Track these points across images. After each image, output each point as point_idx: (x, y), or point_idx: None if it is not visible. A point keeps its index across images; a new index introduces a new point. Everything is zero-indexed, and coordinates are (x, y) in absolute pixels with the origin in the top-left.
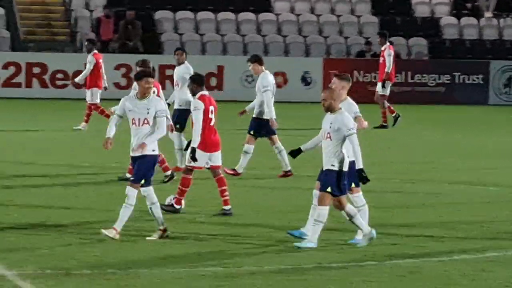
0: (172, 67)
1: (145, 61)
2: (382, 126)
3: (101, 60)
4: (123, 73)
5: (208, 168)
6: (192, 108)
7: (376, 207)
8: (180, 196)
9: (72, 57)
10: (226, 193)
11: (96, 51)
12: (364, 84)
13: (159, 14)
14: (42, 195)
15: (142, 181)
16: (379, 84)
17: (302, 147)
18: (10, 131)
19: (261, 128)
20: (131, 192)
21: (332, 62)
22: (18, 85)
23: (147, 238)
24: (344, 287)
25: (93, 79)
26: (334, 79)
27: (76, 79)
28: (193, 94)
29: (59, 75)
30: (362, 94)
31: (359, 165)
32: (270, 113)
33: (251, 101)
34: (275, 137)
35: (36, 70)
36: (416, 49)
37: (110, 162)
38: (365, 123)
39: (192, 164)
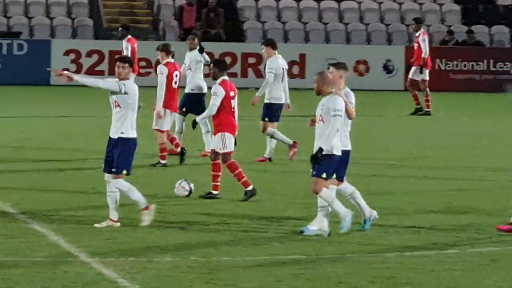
0: (255, 55)
1: (165, 45)
2: (425, 113)
3: (135, 45)
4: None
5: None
6: (212, 92)
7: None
8: (241, 179)
9: (155, 44)
10: (237, 177)
11: (130, 37)
12: (446, 72)
13: (241, 2)
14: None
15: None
16: (414, 70)
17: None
18: (91, 117)
19: (273, 112)
20: (116, 183)
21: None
22: (101, 73)
23: (95, 225)
24: (425, 275)
25: None
26: (332, 68)
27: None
28: (215, 78)
29: (142, 63)
30: (445, 83)
31: (324, 145)
32: (259, 93)
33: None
34: (268, 123)
35: None
36: (498, 37)
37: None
38: (353, 115)
39: (225, 150)
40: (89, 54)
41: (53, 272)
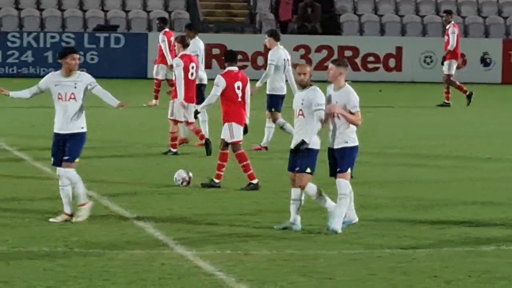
0: (352, 48)
1: (182, 37)
2: (444, 104)
3: (172, 38)
4: (301, 55)
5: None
6: (214, 83)
7: None
8: (248, 171)
9: (251, 38)
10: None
11: (167, 29)
12: None
13: None
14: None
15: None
16: (446, 63)
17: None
18: None
19: (276, 102)
20: (66, 173)
21: None
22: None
23: (51, 220)
24: None
25: (163, 56)
26: (331, 65)
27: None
28: (224, 68)
29: (238, 56)
30: None
31: (306, 138)
32: (259, 83)
33: (430, 82)
34: (277, 114)
35: (215, 51)
36: None
37: None
38: (337, 109)
39: (233, 139)
40: None
41: (150, 265)
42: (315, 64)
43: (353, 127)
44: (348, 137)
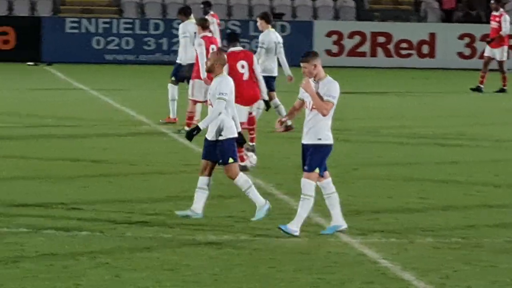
0: None
1: (201, 19)
2: (501, 90)
3: (218, 21)
4: (466, 43)
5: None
6: None
7: None
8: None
9: (416, 26)
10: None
11: (212, 12)
12: None
13: None
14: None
15: None
16: (498, 51)
17: (200, 125)
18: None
19: (270, 83)
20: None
21: None
22: (363, 54)
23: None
24: None
25: None
26: (302, 64)
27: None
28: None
29: (403, 45)
30: None
31: (201, 124)
32: (288, 71)
33: (464, 69)
34: (273, 93)
35: (380, 39)
36: None
37: None
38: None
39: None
40: (351, 35)
41: (316, 253)
42: (479, 53)
43: (328, 123)
44: (321, 133)
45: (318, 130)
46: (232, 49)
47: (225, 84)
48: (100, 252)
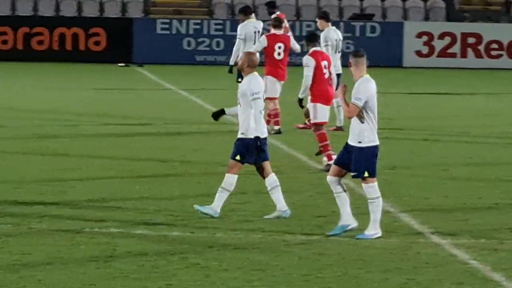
0: None
1: (275, 18)
2: None
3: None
4: None
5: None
6: (303, 64)
7: None
8: (326, 151)
9: (507, 27)
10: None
11: (279, 12)
12: None
13: None
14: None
15: None
16: None
17: (226, 110)
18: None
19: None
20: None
21: None
22: (453, 55)
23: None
24: None
25: None
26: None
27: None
28: (308, 50)
29: (494, 45)
30: None
31: (226, 111)
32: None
33: None
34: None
35: (471, 40)
36: None
37: None
38: (339, 93)
39: (316, 120)
40: (441, 36)
41: (405, 253)
42: None
43: (369, 125)
44: (361, 135)
45: (358, 132)
46: (315, 49)
47: (255, 83)
48: (190, 252)
